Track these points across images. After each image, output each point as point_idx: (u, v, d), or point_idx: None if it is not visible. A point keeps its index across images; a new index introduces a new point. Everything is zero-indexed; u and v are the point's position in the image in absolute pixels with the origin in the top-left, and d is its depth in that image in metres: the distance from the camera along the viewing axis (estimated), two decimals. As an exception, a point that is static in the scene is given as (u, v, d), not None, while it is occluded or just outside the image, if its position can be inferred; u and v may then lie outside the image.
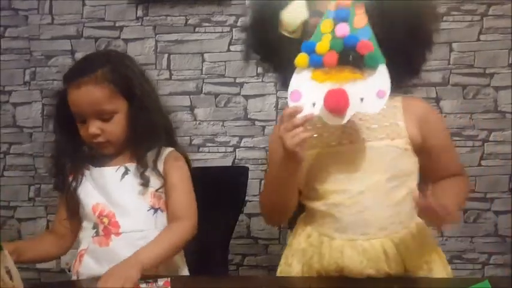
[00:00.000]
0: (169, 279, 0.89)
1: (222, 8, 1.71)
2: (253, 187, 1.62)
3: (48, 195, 1.75)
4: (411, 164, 0.95)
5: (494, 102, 1.66)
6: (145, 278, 0.88)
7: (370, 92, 0.86)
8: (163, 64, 1.75)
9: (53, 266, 1.70)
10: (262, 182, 1.63)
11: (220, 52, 1.71)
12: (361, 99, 0.86)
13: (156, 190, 1.02)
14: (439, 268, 0.97)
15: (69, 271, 1.05)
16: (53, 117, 1.06)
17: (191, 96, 1.74)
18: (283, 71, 1.00)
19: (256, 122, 1.73)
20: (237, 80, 1.72)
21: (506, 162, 1.66)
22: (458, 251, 1.70)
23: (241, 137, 1.74)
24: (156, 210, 1.02)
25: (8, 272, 0.82)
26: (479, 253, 1.69)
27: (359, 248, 0.92)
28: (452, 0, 1.65)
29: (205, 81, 1.74)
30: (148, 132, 1.02)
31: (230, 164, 1.73)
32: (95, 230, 1.01)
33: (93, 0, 1.75)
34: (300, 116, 0.87)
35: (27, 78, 1.79)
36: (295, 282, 0.99)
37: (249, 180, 1.43)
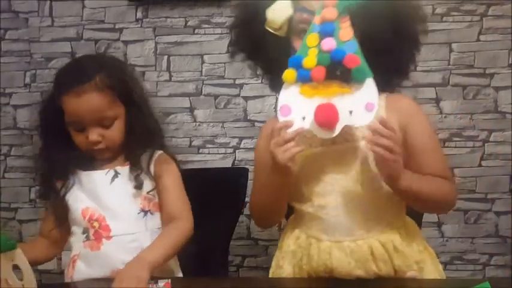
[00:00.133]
0: (169, 280, 0.89)
1: (222, 10, 1.71)
2: (253, 188, 1.62)
3: (49, 197, 1.75)
4: None
5: (495, 103, 1.66)
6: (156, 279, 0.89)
7: (359, 105, 0.86)
8: (163, 66, 1.75)
9: (54, 267, 1.70)
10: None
11: (220, 53, 1.71)
12: (350, 112, 0.86)
13: (148, 192, 1.02)
14: (430, 268, 0.97)
15: None
16: (42, 126, 1.04)
17: (191, 98, 1.75)
18: (268, 68, 1.01)
19: (256, 123, 1.72)
20: (237, 82, 1.72)
21: (507, 162, 1.66)
22: (459, 252, 1.69)
23: (241, 138, 1.74)
24: (146, 212, 1.02)
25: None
26: (480, 254, 1.69)
27: (346, 249, 0.92)
28: (451, 0, 1.65)
29: (205, 82, 1.74)
30: (145, 135, 1.02)
31: (230, 165, 1.73)
32: (85, 234, 1.01)
33: (93, 1, 1.75)
34: (290, 130, 0.87)
35: (27, 80, 1.79)
36: (295, 284, 0.99)
37: (249, 181, 1.43)
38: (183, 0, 1.72)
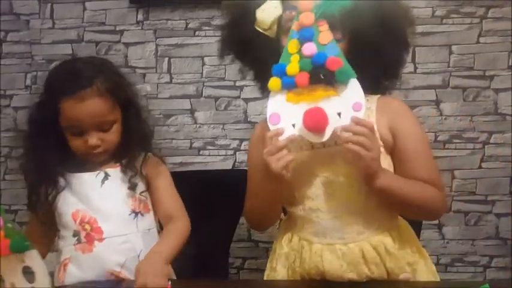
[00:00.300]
0: (169, 282, 0.89)
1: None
2: (254, 190, 1.62)
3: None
4: (385, 165, 0.93)
5: (494, 105, 1.66)
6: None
7: (346, 106, 0.86)
8: (163, 68, 1.75)
9: (55, 269, 1.70)
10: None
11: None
12: (339, 114, 0.86)
13: (141, 193, 1.03)
14: (423, 269, 0.97)
15: None
16: (34, 130, 1.01)
17: (191, 100, 1.75)
18: (258, 70, 1.01)
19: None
20: (237, 84, 1.72)
21: (507, 164, 1.66)
22: (459, 254, 1.69)
23: (241, 140, 1.74)
24: (137, 214, 1.02)
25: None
26: (481, 256, 1.69)
27: (338, 252, 0.92)
28: (451, 3, 1.65)
29: (205, 84, 1.74)
30: (140, 137, 1.04)
31: (230, 167, 1.74)
32: (77, 237, 1.00)
33: (94, 2, 1.76)
34: (282, 138, 0.87)
35: (28, 82, 1.79)
36: (294, 286, 0.98)
37: (249, 183, 1.43)
38: (183, 3, 1.72)
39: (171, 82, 1.75)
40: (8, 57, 1.79)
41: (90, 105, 0.96)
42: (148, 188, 1.05)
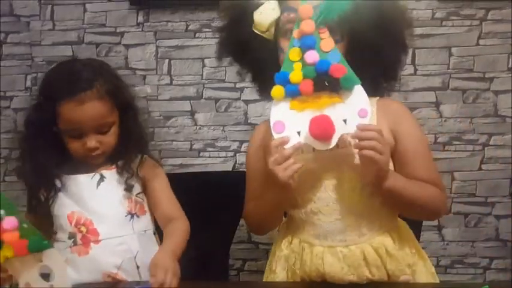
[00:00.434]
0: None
1: (222, 14, 1.72)
2: (254, 192, 1.62)
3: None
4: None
5: (494, 107, 1.66)
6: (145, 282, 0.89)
7: (352, 113, 0.86)
8: (164, 69, 1.75)
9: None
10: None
11: (221, 57, 1.72)
12: (345, 121, 0.86)
13: (137, 195, 1.04)
14: (422, 270, 0.97)
15: None
16: (30, 133, 1.01)
17: (192, 101, 1.75)
18: (255, 72, 1.01)
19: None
20: (237, 85, 1.72)
21: (507, 166, 1.66)
22: (459, 256, 1.69)
23: (241, 142, 1.74)
24: (132, 215, 1.03)
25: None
26: (481, 257, 1.69)
27: (339, 254, 0.92)
28: (451, 5, 1.65)
29: (205, 86, 1.74)
30: (138, 140, 1.04)
31: (231, 169, 1.74)
32: (72, 239, 1.00)
33: (94, 4, 1.76)
34: (287, 146, 0.87)
35: (28, 83, 1.79)
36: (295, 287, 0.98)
37: (249, 184, 1.43)
38: (184, 5, 1.73)
39: (171, 84, 1.75)
40: (8, 59, 1.79)
41: (90, 108, 0.96)
42: (145, 190, 1.05)
